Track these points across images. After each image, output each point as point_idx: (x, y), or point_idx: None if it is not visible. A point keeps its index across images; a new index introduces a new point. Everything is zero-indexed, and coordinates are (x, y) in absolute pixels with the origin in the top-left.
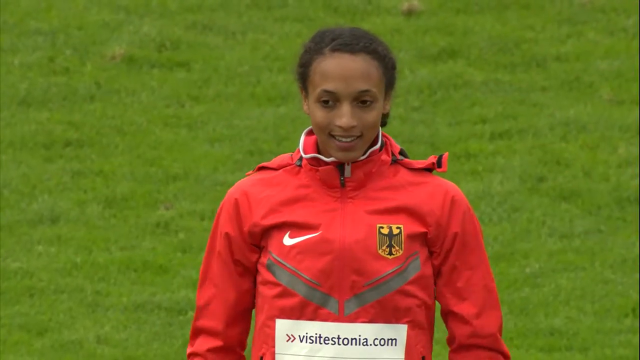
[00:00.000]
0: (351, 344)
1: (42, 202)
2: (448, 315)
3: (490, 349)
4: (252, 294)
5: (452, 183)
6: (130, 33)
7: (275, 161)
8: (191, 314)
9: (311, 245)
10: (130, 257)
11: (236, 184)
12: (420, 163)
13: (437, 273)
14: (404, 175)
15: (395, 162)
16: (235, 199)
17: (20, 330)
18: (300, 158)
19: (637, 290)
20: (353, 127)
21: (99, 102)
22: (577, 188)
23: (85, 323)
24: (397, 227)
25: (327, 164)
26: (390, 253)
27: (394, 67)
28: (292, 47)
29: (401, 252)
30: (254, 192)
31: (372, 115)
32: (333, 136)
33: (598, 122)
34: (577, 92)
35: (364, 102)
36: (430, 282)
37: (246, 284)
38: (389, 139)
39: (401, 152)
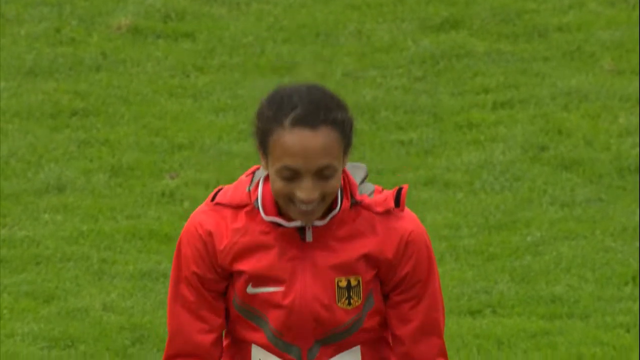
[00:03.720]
0: None
1: (48, 171)
2: (392, 337)
3: None
4: (224, 312)
5: (411, 218)
6: (136, 4)
7: (232, 198)
8: None
9: (272, 299)
10: (136, 225)
11: (197, 221)
12: (379, 204)
13: (385, 296)
14: (363, 219)
15: (355, 203)
16: (202, 241)
17: (27, 298)
18: (257, 199)
19: (637, 258)
20: (314, 198)
21: (105, 72)
22: (578, 157)
23: (92, 291)
24: (356, 279)
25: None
26: (349, 304)
27: (352, 128)
28: (297, 18)
29: (360, 301)
30: (218, 235)
31: (332, 184)
32: (293, 202)
33: (599, 92)
34: (579, 62)
35: (324, 175)
36: (382, 307)
37: (221, 305)
38: (347, 177)
39: (362, 182)
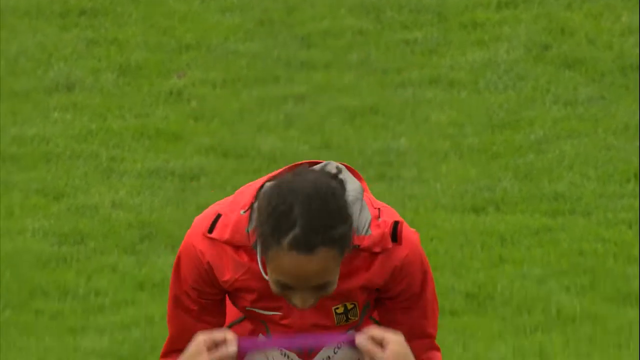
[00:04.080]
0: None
1: (57, 70)
2: None
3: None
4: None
5: (407, 242)
6: None
7: (232, 237)
8: (204, 180)
9: (272, 318)
10: (144, 124)
11: (198, 249)
12: (376, 244)
13: (376, 299)
14: (361, 259)
15: (353, 248)
16: (203, 269)
17: (37, 195)
18: (256, 241)
19: (638, 155)
20: (310, 305)
21: None
22: (581, 56)
23: (100, 188)
24: (352, 304)
25: None
26: (347, 321)
27: (350, 242)
28: None
29: (356, 317)
30: (220, 268)
31: (330, 290)
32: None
33: None
34: None
35: (321, 287)
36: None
37: (224, 304)
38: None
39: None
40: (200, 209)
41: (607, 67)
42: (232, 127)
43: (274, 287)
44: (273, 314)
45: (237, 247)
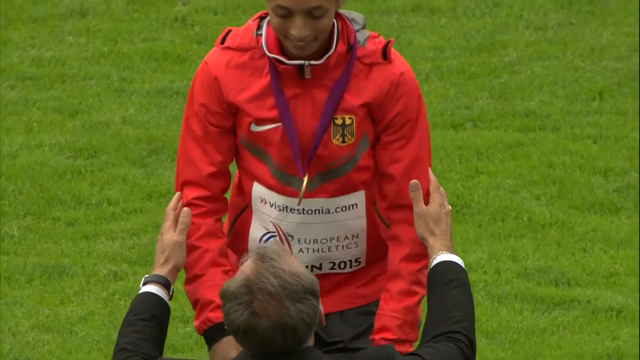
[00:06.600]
0: (315, 213)
1: None
2: (382, 175)
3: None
4: (233, 150)
5: (400, 62)
6: None
7: (241, 41)
8: None
9: (274, 134)
10: (151, 47)
11: (210, 61)
12: (368, 56)
13: (376, 137)
14: (357, 65)
15: (350, 49)
16: (213, 77)
17: (54, 113)
18: (262, 41)
19: (603, 76)
20: (306, 35)
21: None
22: None
23: (112, 106)
24: (350, 118)
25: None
26: (343, 141)
27: None
28: None
29: (353, 139)
30: (227, 77)
31: (323, 23)
32: (288, 37)
33: None
34: None
35: (315, 14)
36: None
37: (226, 143)
38: (344, 23)
39: (356, 35)
40: None
41: None
42: None
43: (274, 21)
44: (276, 126)
45: (243, 51)
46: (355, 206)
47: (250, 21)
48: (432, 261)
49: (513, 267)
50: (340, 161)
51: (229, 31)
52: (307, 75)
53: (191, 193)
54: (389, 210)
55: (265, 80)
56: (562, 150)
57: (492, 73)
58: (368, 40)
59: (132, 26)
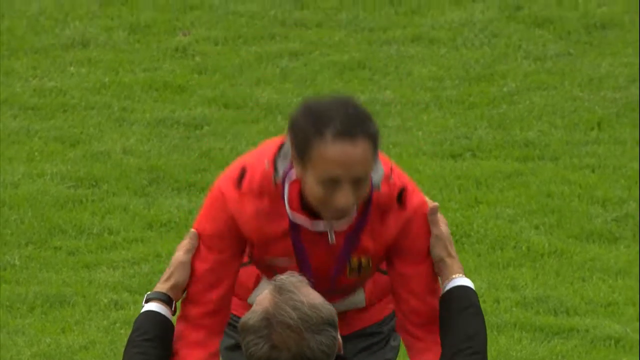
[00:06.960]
0: None
1: (74, 28)
2: (396, 290)
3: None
4: (238, 270)
5: (415, 199)
6: None
7: (261, 189)
8: (207, 128)
9: (288, 265)
10: (152, 77)
11: (229, 198)
12: (383, 202)
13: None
14: (373, 210)
15: (368, 200)
16: (230, 215)
17: (55, 142)
18: (284, 196)
19: (601, 106)
20: (352, 204)
21: None
22: (549, 15)
23: (113, 136)
24: (366, 259)
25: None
26: (358, 276)
27: (379, 138)
28: None
29: (368, 273)
30: (245, 219)
31: (365, 189)
32: (328, 205)
33: None
34: None
35: (360, 183)
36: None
37: (234, 266)
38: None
39: (372, 180)
40: (203, 155)
41: (573, 26)
42: (232, 80)
43: (317, 191)
44: (288, 259)
45: (263, 196)
46: (354, 292)
47: (265, 162)
48: (450, 283)
49: (512, 296)
50: (350, 286)
51: (244, 170)
52: (332, 241)
53: (192, 310)
54: (416, 327)
55: (284, 224)
56: (561, 180)
57: (491, 103)
58: (382, 182)
59: (133, 56)
